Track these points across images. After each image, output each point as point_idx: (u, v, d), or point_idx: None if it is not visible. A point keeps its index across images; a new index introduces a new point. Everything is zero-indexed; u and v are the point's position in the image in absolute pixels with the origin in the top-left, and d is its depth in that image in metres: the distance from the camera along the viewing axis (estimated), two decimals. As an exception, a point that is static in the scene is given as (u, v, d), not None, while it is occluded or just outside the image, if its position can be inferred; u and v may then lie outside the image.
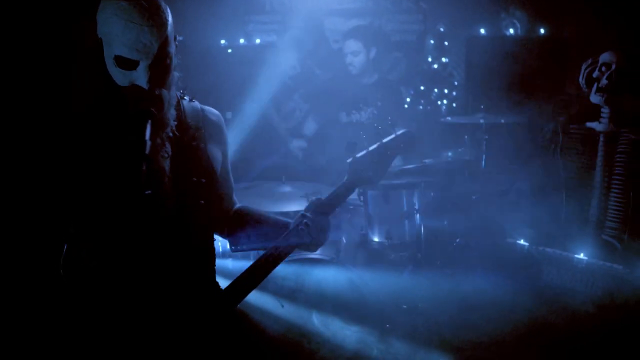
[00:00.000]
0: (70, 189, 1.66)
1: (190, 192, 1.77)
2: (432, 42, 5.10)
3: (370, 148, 1.85)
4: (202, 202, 1.79)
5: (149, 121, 1.58)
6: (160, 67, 1.66)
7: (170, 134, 1.73)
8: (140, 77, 1.64)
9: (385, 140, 1.86)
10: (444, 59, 5.07)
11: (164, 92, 1.68)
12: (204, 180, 1.80)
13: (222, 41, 4.98)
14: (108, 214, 1.66)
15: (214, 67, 4.34)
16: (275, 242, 1.78)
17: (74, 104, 1.76)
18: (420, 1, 5.17)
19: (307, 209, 1.81)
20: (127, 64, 1.63)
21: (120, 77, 1.66)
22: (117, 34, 1.60)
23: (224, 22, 5.01)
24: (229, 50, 4.83)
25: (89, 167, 1.66)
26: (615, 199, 2.69)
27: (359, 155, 1.83)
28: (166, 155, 1.72)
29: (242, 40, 5.10)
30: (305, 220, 1.78)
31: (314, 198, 1.84)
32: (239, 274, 1.79)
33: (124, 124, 1.63)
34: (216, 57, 4.71)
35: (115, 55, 1.62)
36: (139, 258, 1.69)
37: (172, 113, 1.74)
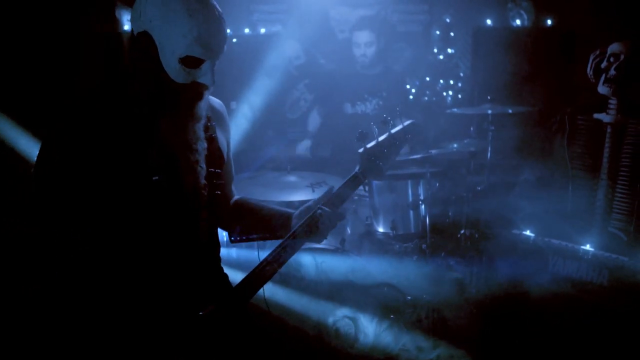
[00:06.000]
0: (80, 180, 1.63)
1: (208, 183, 1.76)
2: (437, 32, 5.08)
3: (380, 138, 1.89)
4: (219, 192, 1.80)
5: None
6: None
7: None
8: (206, 74, 1.63)
9: (393, 131, 1.90)
10: (449, 50, 5.05)
11: None
12: (219, 171, 1.80)
13: (227, 30, 4.94)
14: (119, 200, 1.64)
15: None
16: (289, 235, 1.74)
17: (84, 96, 1.74)
18: (426, -9, 5.14)
19: (320, 202, 1.80)
20: (193, 63, 1.60)
21: (183, 75, 1.62)
22: (186, 34, 1.56)
23: (229, 12, 4.96)
24: (234, 40, 4.81)
25: (101, 159, 1.63)
26: (622, 191, 2.68)
27: (369, 145, 1.86)
28: (200, 148, 1.71)
29: (247, 30, 5.07)
30: (320, 212, 1.74)
31: (326, 188, 1.83)
32: (242, 263, 1.76)
33: (135, 115, 1.62)
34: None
35: (186, 55, 1.58)
36: (148, 245, 1.68)
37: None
